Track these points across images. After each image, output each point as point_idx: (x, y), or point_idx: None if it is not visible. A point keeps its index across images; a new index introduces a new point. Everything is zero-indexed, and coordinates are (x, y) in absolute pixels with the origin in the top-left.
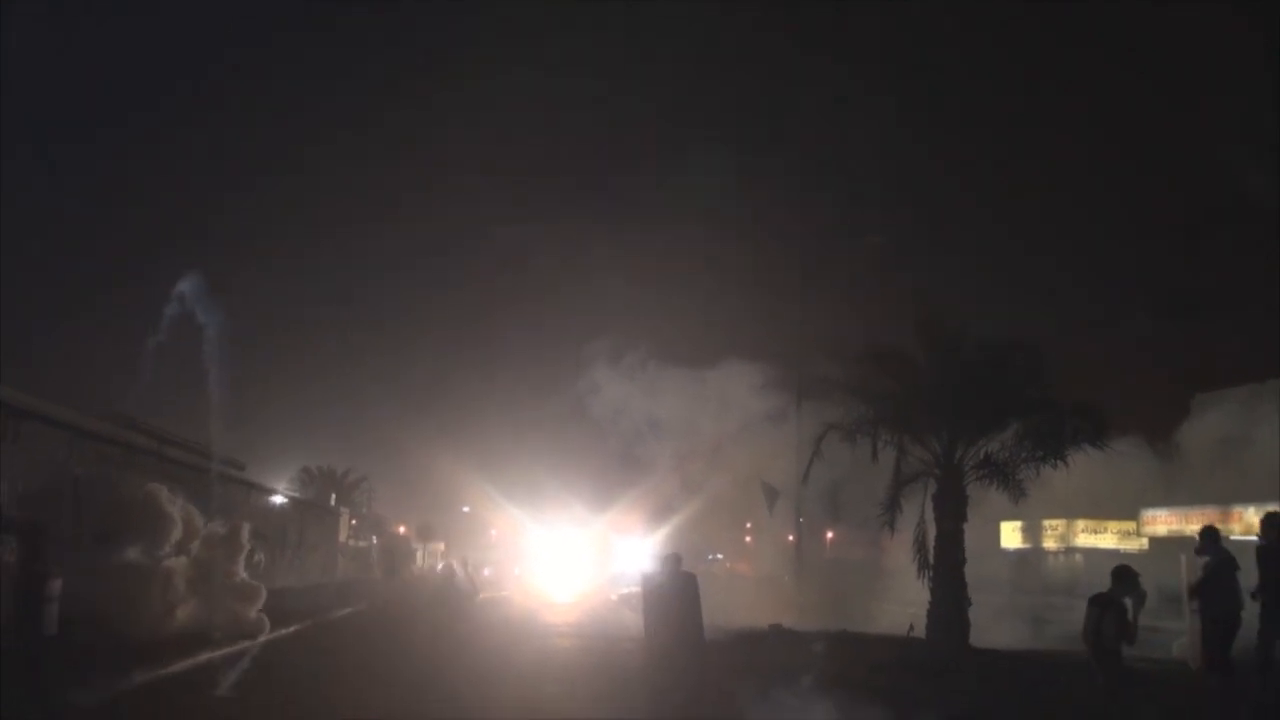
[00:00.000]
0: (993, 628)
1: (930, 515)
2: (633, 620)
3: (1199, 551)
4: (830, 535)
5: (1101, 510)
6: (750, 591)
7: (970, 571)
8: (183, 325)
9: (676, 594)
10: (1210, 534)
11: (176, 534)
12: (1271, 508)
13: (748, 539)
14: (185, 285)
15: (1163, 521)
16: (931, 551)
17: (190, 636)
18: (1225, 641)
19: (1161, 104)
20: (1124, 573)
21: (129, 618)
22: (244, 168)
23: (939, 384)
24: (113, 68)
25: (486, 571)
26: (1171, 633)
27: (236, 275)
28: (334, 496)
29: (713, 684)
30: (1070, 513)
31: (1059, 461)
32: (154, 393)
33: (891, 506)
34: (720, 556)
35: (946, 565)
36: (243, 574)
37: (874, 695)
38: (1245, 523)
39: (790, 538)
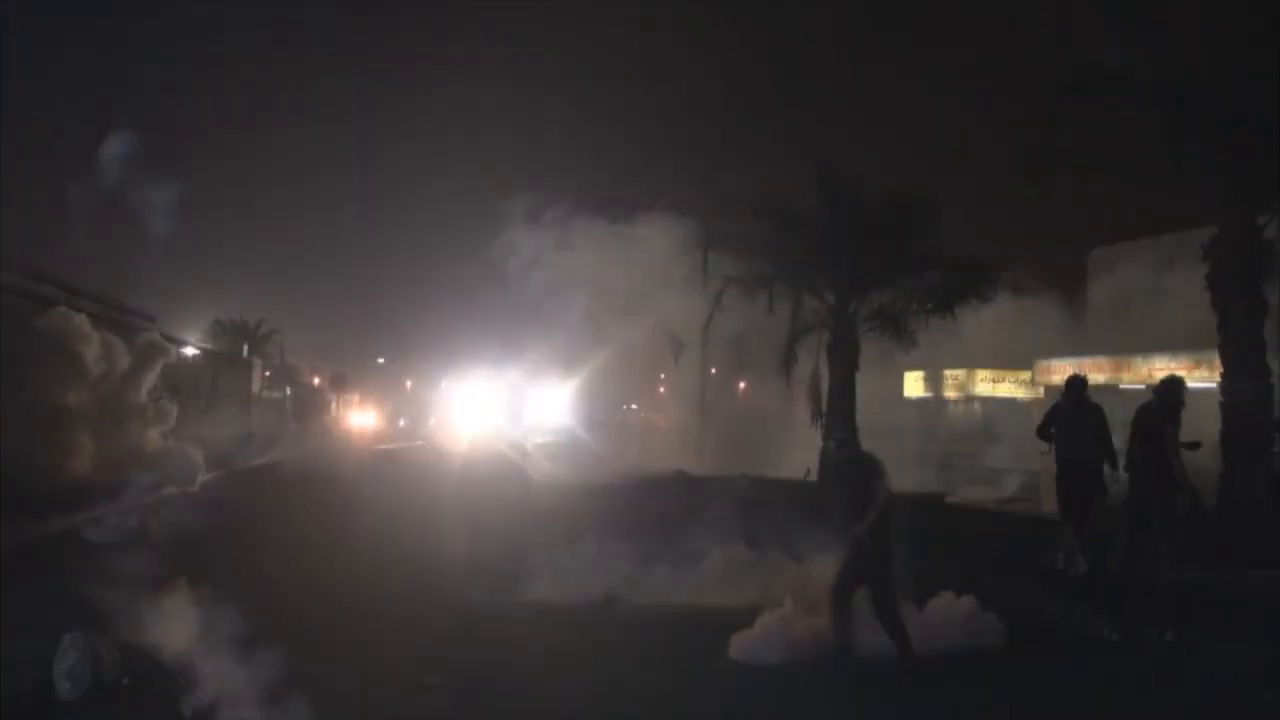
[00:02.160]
0: (900, 474)
1: (825, 364)
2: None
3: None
4: (742, 386)
5: (1010, 362)
6: (663, 440)
7: (875, 420)
8: (96, 180)
9: None
10: (1076, 382)
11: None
12: (1162, 360)
13: (661, 390)
14: (107, 146)
15: (1058, 371)
16: (825, 399)
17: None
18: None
19: None
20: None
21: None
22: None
23: (833, 238)
24: None
25: (402, 423)
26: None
27: (152, 130)
28: (246, 348)
29: None
30: (981, 364)
31: (949, 314)
32: (69, 249)
33: (787, 355)
34: (635, 407)
35: (839, 410)
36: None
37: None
38: (1135, 372)
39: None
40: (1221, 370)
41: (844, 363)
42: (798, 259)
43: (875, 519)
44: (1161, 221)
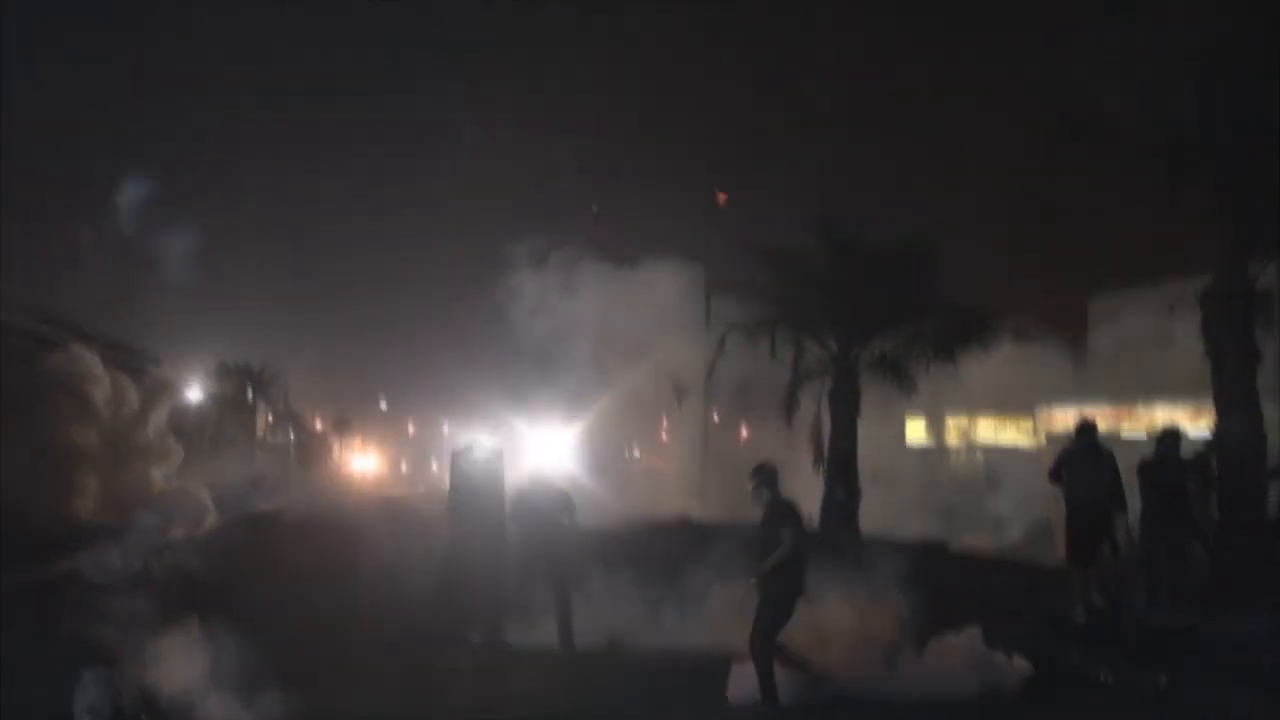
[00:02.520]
0: (902, 522)
1: (827, 411)
2: None
3: (1075, 443)
4: (745, 432)
5: (1013, 408)
6: (666, 485)
7: (877, 466)
8: (100, 222)
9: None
10: (1087, 427)
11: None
12: (1162, 407)
13: (664, 435)
14: (112, 190)
15: (1059, 419)
16: (827, 445)
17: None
18: (1085, 527)
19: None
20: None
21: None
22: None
23: (835, 284)
24: None
25: (404, 467)
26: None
27: (156, 171)
28: (250, 392)
29: None
30: (983, 410)
31: (950, 361)
32: (72, 289)
33: (789, 401)
34: (638, 454)
35: (839, 457)
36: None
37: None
38: (1137, 420)
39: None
40: (1215, 418)
41: (845, 409)
42: (800, 305)
43: (779, 566)
44: (1162, 268)
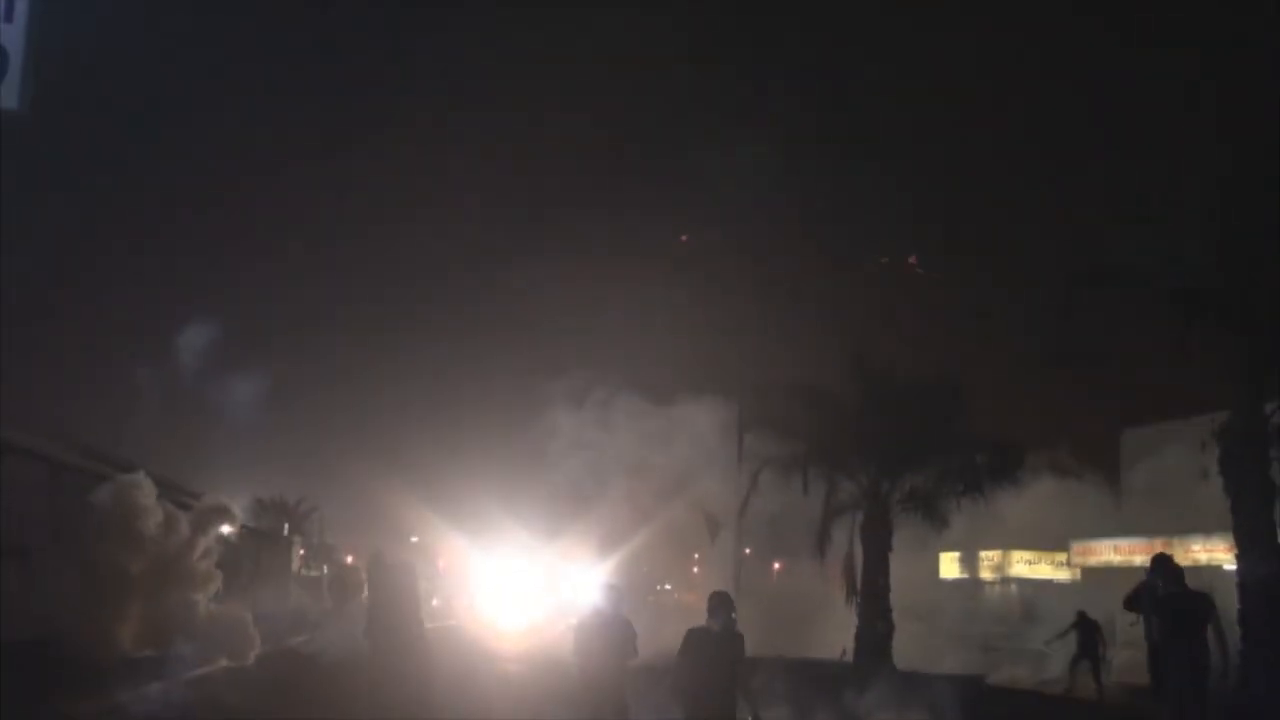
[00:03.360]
0: (940, 656)
1: (859, 545)
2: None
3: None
4: (777, 566)
5: (1046, 543)
6: (698, 620)
7: (912, 600)
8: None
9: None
10: (1174, 568)
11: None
12: (1197, 541)
13: (695, 569)
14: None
15: (1093, 552)
16: (860, 579)
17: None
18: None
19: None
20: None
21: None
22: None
23: (864, 422)
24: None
25: (435, 602)
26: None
27: (187, 307)
28: (286, 526)
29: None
30: (1017, 545)
31: (979, 495)
32: (118, 425)
33: (822, 536)
34: (669, 586)
35: (873, 591)
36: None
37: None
38: (1171, 553)
39: (775, 566)
40: (1236, 552)
41: (877, 543)
42: (831, 442)
43: None
44: (1195, 403)
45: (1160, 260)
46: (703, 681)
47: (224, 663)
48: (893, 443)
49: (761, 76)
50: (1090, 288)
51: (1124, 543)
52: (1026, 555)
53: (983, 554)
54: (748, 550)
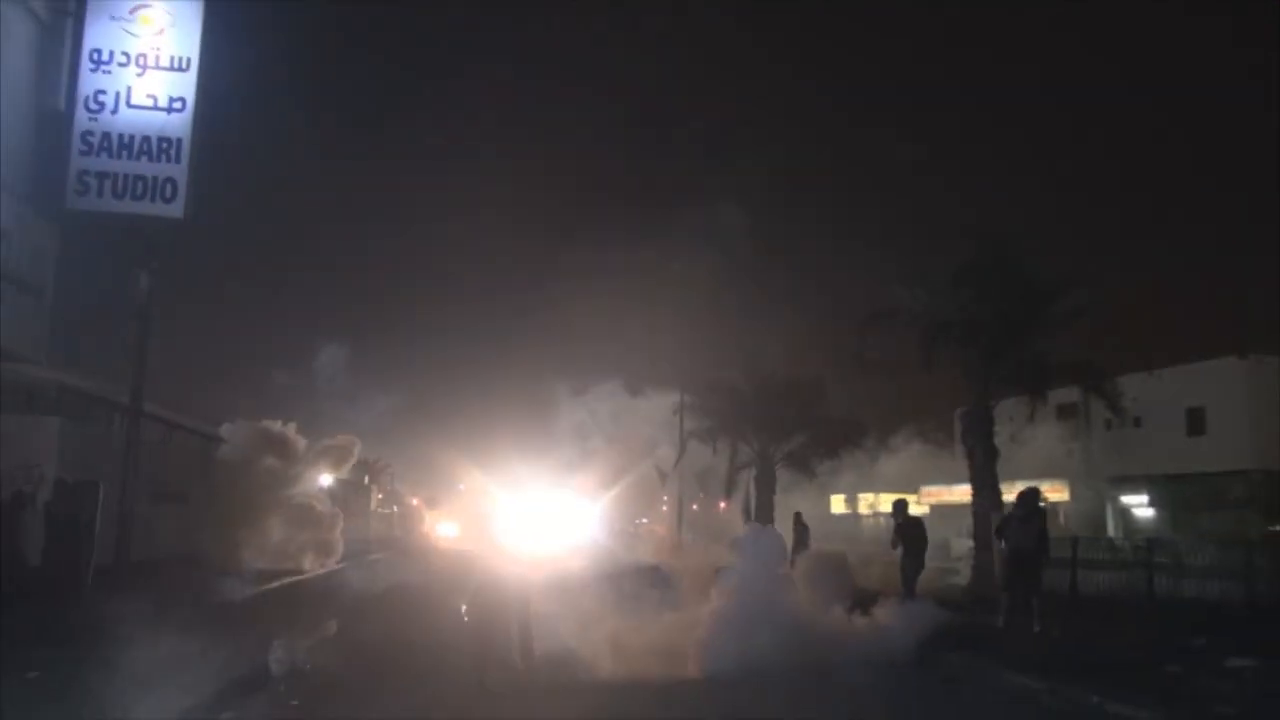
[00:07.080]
0: None
1: (754, 489)
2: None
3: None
4: (723, 505)
5: (907, 487)
6: (660, 544)
7: (811, 529)
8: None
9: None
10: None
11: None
12: (1007, 485)
13: (664, 508)
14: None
15: (934, 495)
16: (754, 512)
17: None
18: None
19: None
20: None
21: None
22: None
23: (756, 406)
24: None
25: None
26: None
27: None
28: (366, 478)
29: None
30: (889, 489)
31: (834, 457)
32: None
33: (729, 483)
34: (646, 520)
35: (762, 519)
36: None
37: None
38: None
39: (694, 506)
40: (972, 491)
41: (766, 489)
42: (734, 419)
43: None
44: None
45: (924, 302)
46: None
47: (321, 569)
48: (775, 420)
49: None
50: (881, 320)
51: (958, 487)
52: (892, 496)
53: (861, 496)
54: (701, 494)
